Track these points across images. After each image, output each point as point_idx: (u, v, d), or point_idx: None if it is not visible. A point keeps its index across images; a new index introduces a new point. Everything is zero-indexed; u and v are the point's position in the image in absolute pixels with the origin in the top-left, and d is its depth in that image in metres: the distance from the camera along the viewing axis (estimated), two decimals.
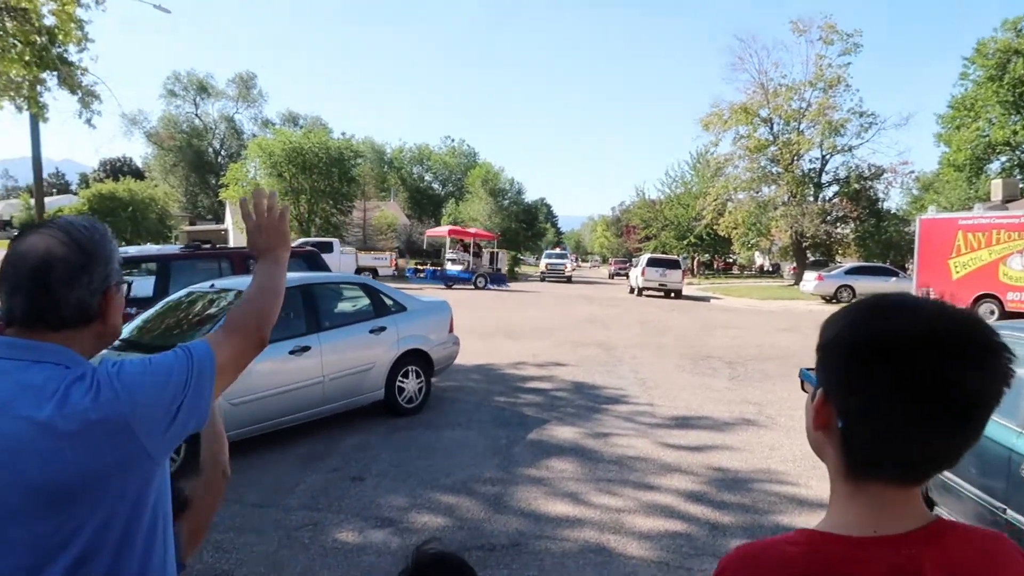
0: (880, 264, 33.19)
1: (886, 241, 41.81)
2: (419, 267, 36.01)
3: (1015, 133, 42.61)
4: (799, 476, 6.05)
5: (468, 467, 6.16)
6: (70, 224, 1.34)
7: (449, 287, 32.03)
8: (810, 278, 29.21)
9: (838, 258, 42.89)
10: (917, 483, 0.93)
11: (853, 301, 1.01)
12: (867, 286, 27.46)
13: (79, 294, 1.30)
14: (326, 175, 44.40)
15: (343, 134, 63.29)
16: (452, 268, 34.81)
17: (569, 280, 46.21)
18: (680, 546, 4.61)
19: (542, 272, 47.61)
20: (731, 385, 10.05)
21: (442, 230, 42.13)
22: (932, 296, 0.98)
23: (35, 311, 1.28)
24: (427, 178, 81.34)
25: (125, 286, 1.43)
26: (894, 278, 27.90)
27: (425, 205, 74.39)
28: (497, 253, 39.50)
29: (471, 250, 37.56)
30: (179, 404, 1.31)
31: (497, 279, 34.78)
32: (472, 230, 42.85)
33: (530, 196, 71.69)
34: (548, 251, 56.79)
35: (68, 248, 1.29)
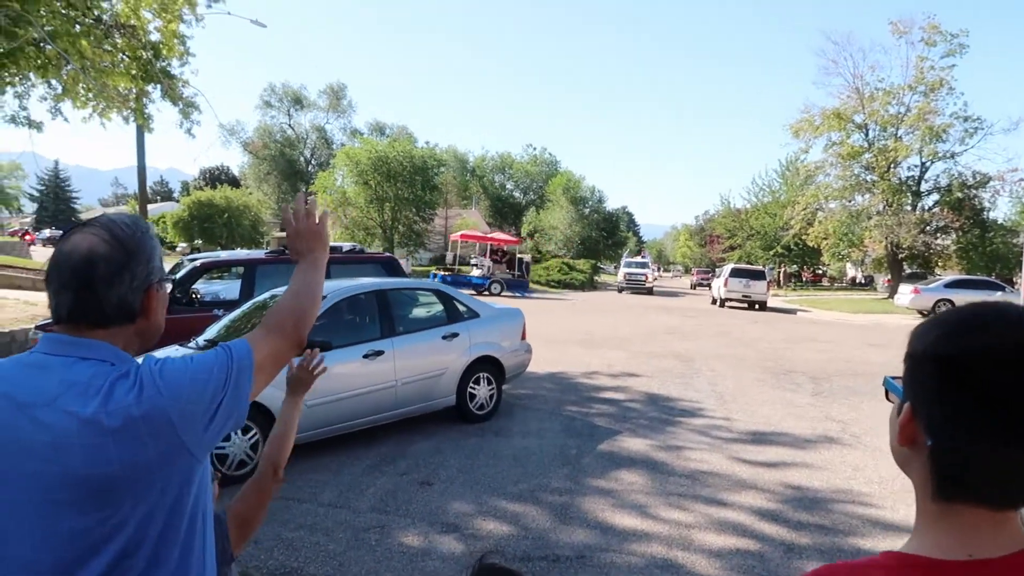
0: (984, 277, 31.32)
1: (991, 253, 39.39)
2: (444, 272, 35.49)
3: None
4: (884, 499, 5.74)
5: (536, 476, 6.11)
6: (112, 222, 1.36)
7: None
8: (906, 291, 27.84)
9: (937, 270, 40.76)
10: (1012, 508, 0.86)
11: (946, 309, 0.93)
12: (969, 300, 25.96)
13: (121, 292, 1.32)
14: (410, 183, 45.32)
15: (427, 143, 64.52)
16: (473, 274, 34.20)
17: (651, 291, 42.55)
18: (752, 566, 4.44)
19: (620, 282, 43.69)
20: (814, 401, 9.66)
21: (456, 235, 40.65)
22: None
23: (80, 309, 1.31)
24: (508, 186, 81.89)
25: (168, 284, 1.46)
26: (999, 292, 26.28)
27: (506, 213, 74.94)
28: (522, 259, 38.60)
29: (495, 255, 37.41)
30: (219, 402, 1.33)
31: (516, 286, 33.69)
32: (492, 235, 41.48)
33: (611, 204, 71.09)
34: (627, 259, 51.10)
35: (110, 246, 1.32)
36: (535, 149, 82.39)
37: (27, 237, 47.34)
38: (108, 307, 1.32)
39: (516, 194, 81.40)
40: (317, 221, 1.69)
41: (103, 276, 1.31)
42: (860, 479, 6.23)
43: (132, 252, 1.34)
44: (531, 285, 37.32)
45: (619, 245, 67.64)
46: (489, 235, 41.79)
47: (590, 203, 65.38)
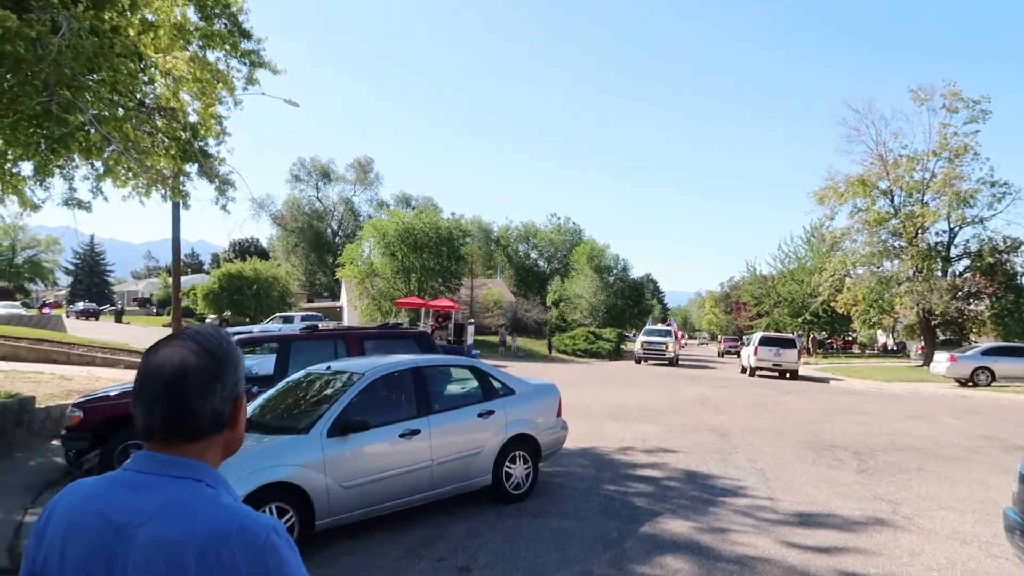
0: (1022, 344, 30.62)
1: None
2: None
3: None
4: None
5: (578, 561, 5.91)
6: (199, 333, 1.37)
7: None
8: (941, 359, 27.24)
9: (972, 337, 39.96)
10: None
11: None
12: (1009, 368, 25.36)
13: (213, 403, 1.32)
14: (436, 254, 45.79)
15: (452, 214, 65.44)
16: None
17: (672, 363, 37.77)
18: None
19: (637, 352, 39.16)
20: (860, 479, 9.33)
21: (405, 300, 40.71)
22: None
23: (172, 423, 1.30)
24: (533, 255, 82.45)
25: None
26: None
27: (531, 282, 75.22)
28: (464, 324, 38.13)
29: (437, 321, 37.24)
30: None
31: (453, 351, 32.95)
32: (432, 301, 41.02)
33: (636, 272, 71.16)
34: (649, 326, 45.99)
35: (201, 358, 1.32)
36: (559, 218, 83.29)
37: (43, 310, 48.33)
38: (201, 420, 1.32)
39: (540, 263, 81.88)
40: None
41: (197, 389, 1.31)
42: (918, 566, 5.94)
43: (222, 362, 1.35)
44: (476, 350, 37.14)
45: (644, 313, 67.37)
46: (429, 301, 41.67)
47: (614, 271, 65.53)
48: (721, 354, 58.14)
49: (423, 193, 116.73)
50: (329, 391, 7.02)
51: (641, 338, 40.40)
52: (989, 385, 24.94)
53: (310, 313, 43.16)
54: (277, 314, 43.01)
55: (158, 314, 68.11)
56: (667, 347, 37.90)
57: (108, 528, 1.24)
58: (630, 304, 64.88)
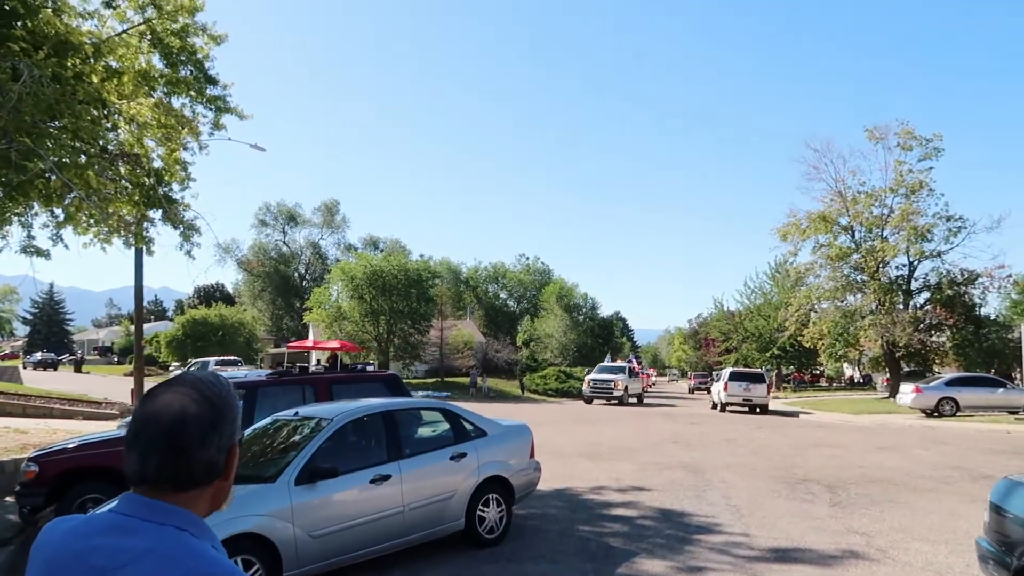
0: (984, 374, 31.21)
1: (988, 349, 39.43)
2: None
3: None
4: None
5: None
6: (198, 380, 1.34)
7: None
8: (907, 390, 27.63)
9: (935, 368, 40.66)
10: None
11: None
12: (972, 398, 25.78)
13: (210, 452, 1.29)
14: (405, 296, 45.61)
15: (421, 256, 65.49)
16: None
17: (622, 402, 34.93)
18: None
19: (585, 391, 36.46)
20: (833, 512, 9.33)
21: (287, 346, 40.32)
22: None
23: (167, 471, 1.26)
24: (502, 296, 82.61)
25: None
26: (1001, 389, 26.16)
27: (501, 322, 75.19)
28: (347, 364, 37.75)
29: (329, 361, 36.90)
30: None
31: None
32: (320, 343, 40.55)
33: (605, 310, 71.61)
34: (604, 363, 42.73)
35: (200, 406, 1.29)
36: (528, 258, 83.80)
37: None
38: (197, 470, 1.28)
39: (510, 303, 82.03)
40: None
41: (196, 437, 1.27)
42: None
43: (221, 411, 1.32)
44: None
45: (615, 351, 67.54)
46: (317, 343, 41.42)
47: (584, 310, 65.89)
48: (691, 390, 58.34)
49: (391, 235, 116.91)
50: (297, 437, 6.87)
51: (590, 375, 37.74)
52: (954, 415, 25.30)
53: (227, 358, 42.69)
54: (192, 360, 42.67)
55: (119, 363, 66.66)
56: (615, 385, 35.13)
57: (88, 570, 1.19)
58: (600, 342, 65.09)
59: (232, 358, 43.10)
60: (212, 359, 41.70)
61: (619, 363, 42.14)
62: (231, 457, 1.34)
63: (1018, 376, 39.11)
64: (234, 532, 5.60)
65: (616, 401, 35.22)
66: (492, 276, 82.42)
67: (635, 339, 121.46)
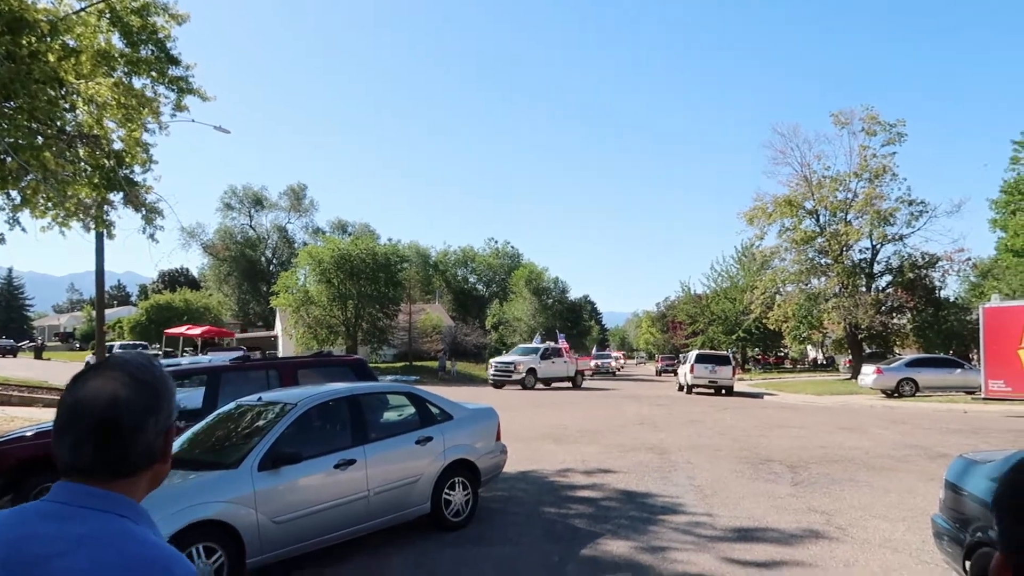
0: (943, 355, 31.96)
1: (947, 331, 40.38)
2: None
3: None
4: None
5: None
6: (129, 363, 1.29)
7: None
8: (868, 371, 28.21)
9: (896, 349, 41.54)
10: None
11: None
12: (931, 378, 26.40)
13: (147, 438, 1.26)
14: (373, 280, 45.33)
15: (389, 239, 65.10)
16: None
17: (525, 386, 32.64)
18: None
19: (490, 375, 34.74)
20: (795, 491, 9.50)
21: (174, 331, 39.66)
22: None
23: (103, 459, 1.23)
24: (471, 279, 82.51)
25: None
26: (959, 369, 26.79)
27: (470, 306, 75.13)
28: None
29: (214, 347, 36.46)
30: None
31: None
32: (208, 329, 39.83)
33: (574, 294, 71.90)
34: (524, 344, 41.37)
35: (134, 390, 1.25)
36: (497, 242, 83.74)
37: None
38: (134, 457, 1.25)
39: (479, 287, 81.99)
40: None
41: (131, 424, 1.23)
42: None
43: (157, 395, 1.28)
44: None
45: (583, 334, 67.96)
46: (191, 328, 40.93)
47: (553, 294, 66.13)
48: (659, 372, 58.93)
49: (360, 219, 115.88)
50: (260, 423, 6.79)
51: (495, 359, 36.16)
52: (914, 395, 25.90)
53: (131, 342, 42.24)
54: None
55: (81, 349, 65.40)
56: (516, 368, 33.40)
57: (22, 559, 1.16)
58: (569, 325, 65.39)
59: (137, 342, 42.79)
60: (116, 343, 41.28)
61: (537, 344, 39.11)
62: (168, 440, 1.31)
63: (975, 357, 40.12)
64: (196, 519, 5.53)
65: (519, 386, 33.15)
66: (461, 260, 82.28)
67: (603, 322, 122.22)
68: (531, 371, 33.73)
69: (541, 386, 34.52)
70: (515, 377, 33.23)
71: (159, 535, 1.24)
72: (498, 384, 33.75)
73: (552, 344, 38.35)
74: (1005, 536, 0.84)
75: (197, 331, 37.02)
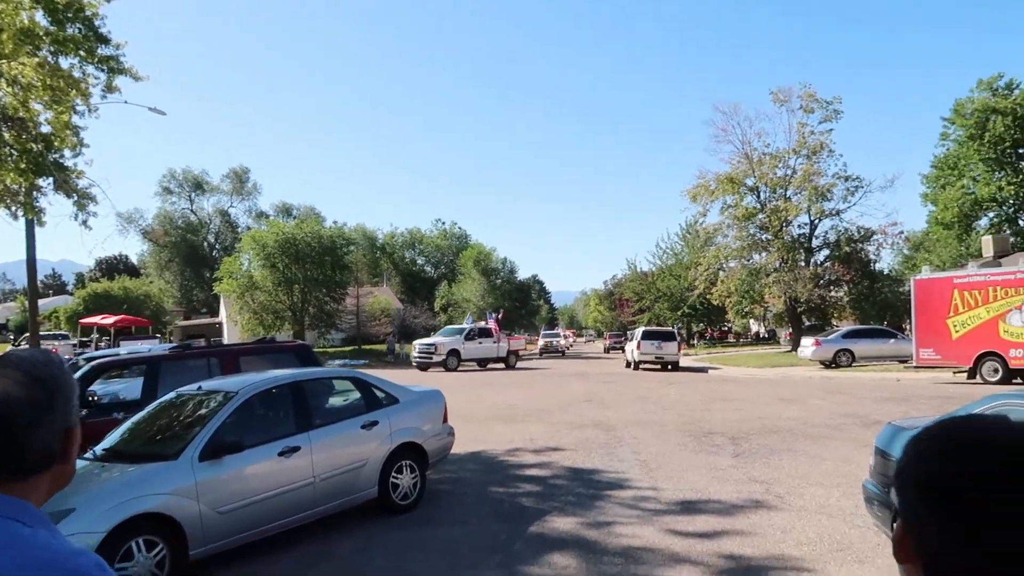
0: (878, 327, 33.08)
1: (881, 302, 41.88)
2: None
3: (1000, 189, 43.39)
4: (815, 561, 5.78)
5: (467, 567, 5.89)
6: (23, 360, 1.22)
7: None
8: (807, 343, 29.04)
9: (834, 322, 42.85)
10: None
11: (929, 426, 0.88)
12: (866, 349, 27.31)
13: (43, 436, 1.18)
14: (319, 264, 44.71)
15: (335, 222, 64.16)
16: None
17: (448, 367, 32.05)
18: None
19: (413, 357, 33.94)
20: (736, 463, 9.78)
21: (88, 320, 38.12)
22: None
23: None
24: (419, 261, 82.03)
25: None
26: (892, 340, 27.78)
27: (419, 288, 74.74)
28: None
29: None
30: None
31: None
32: (109, 318, 37.07)
33: (522, 274, 72.11)
34: (451, 326, 40.12)
35: (28, 388, 1.18)
36: (444, 223, 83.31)
37: None
38: (30, 458, 1.17)
39: (428, 269, 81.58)
40: None
41: (25, 422, 1.16)
42: (790, 542, 6.28)
43: (53, 392, 1.21)
44: None
45: (532, 314, 68.26)
46: (105, 318, 38.16)
47: (502, 274, 66.16)
48: (607, 350, 59.65)
49: (305, 202, 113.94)
50: (201, 412, 6.68)
51: (418, 341, 35.53)
52: (850, 366, 26.79)
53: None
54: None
55: (15, 341, 63.06)
56: (437, 349, 32.93)
57: None
58: (518, 305, 65.61)
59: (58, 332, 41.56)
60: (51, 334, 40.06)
61: (467, 325, 37.56)
62: (69, 440, 1.25)
63: (908, 327, 41.71)
64: (135, 512, 5.43)
65: (442, 368, 32.40)
66: (409, 242, 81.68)
67: (552, 301, 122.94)
68: (453, 352, 33.11)
69: (475, 367, 34.24)
70: (436, 359, 32.58)
71: (59, 537, 1.18)
72: (423, 367, 32.84)
73: (480, 325, 37.46)
74: (909, 510, 0.83)
75: (110, 320, 35.68)
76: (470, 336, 34.53)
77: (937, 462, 0.81)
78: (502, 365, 34.99)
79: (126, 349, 22.01)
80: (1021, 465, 0.77)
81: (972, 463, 0.78)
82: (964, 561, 0.77)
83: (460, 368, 33.17)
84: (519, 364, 36.44)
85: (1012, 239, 37.84)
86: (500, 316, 41.79)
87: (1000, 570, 0.75)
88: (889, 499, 5.42)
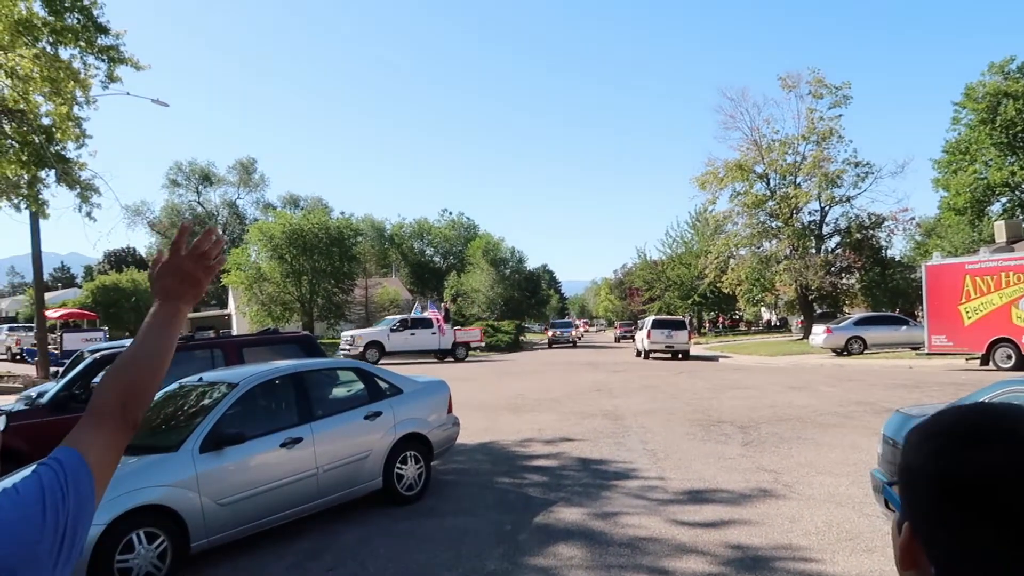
0: (889, 313, 32.81)
1: (893, 289, 41.53)
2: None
3: (1013, 174, 42.85)
4: (823, 551, 5.68)
5: (471, 558, 5.81)
6: None
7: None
8: (819, 331, 28.82)
9: (845, 309, 42.56)
10: None
11: (939, 414, 0.79)
12: (878, 336, 27.09)
13: None
14: (327, 255, 44.68)
15: (343, 213, 64.12)
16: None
17: (365, 358, 27.71)
18: None
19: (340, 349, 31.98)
20: (745, 452, 9.67)
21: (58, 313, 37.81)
22: None
23: None
24: (428, 252, 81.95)
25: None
26: (905, 326, 27.52)
27: (427, 279, 74.76)
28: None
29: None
30: (64, 527, 1.09)
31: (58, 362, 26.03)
32: (56, 312, 37.28)
33: (532, 263, 71.89)
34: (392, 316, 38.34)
35: None
36: (452, 213, 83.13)
37: None
38: None
39: (436, 259, 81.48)
40: (211, 260, 1.42)
41: None
42: (798, 531, 6.17)
43: None
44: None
45: (542, 304, 68.14)
46: (61, 312, 38.73)
47: (511, 264, 65.96)
48: (618, 339, 59.46)
49: (312, 193, 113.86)
50: (202, 403, 6.63)
51: (345, 332, 34.03)
52: (862, 353, 26.58)
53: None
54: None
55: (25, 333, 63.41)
56: (355, 341, 31.35)
57: None
58: (527, 295, 65.50)
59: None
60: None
61: (415, 315, 34.99)
62: None
63: (920, 314, 41.44)
64: (136, 504, 5.39)
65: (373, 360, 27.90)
66: (417, 232, 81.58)
67: (563, 291, 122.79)
68: (374, 344, 31.02)
69: (480, 358, 33.33)
70: (353, 352, 30.26)
71: None
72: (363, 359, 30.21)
73: (412, 315, 34.79)
74: (923, 510, 0.74)
75: (56, 314, 35.76)
76: (397, 328, 32.25)
77: (963, 454, 0.71)
78: (449, 358, 32.64)
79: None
80: None
81: (1010, 455, 0.69)
82: (992, 567, 0.67)
83: (469, 359, 33.16)
84: (522, 358, 36.25)
85: None
86: (446, 306, 41.10)
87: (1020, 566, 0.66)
88: (893, 493, 5.30)
